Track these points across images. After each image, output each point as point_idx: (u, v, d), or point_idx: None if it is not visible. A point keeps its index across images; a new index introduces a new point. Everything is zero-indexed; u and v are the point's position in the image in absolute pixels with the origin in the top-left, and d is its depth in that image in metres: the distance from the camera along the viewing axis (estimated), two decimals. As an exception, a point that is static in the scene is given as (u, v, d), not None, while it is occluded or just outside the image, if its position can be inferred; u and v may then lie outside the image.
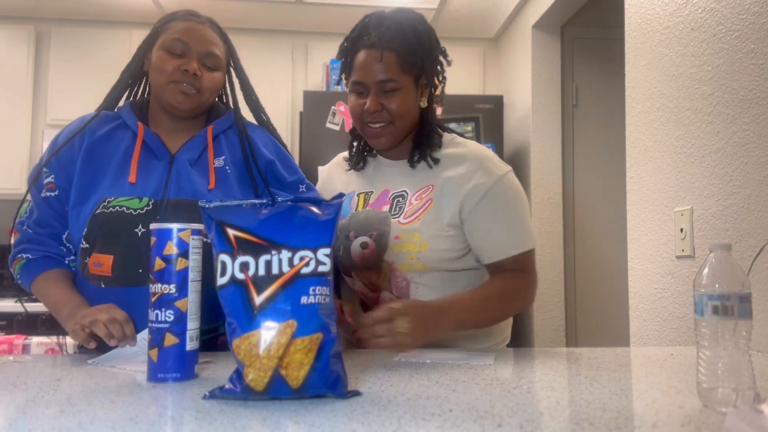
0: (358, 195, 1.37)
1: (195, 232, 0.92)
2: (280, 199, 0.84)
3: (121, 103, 1.36)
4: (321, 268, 0.80)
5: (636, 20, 1.84)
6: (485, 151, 1.35)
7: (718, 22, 1.45)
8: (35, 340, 2.63)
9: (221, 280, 0.80)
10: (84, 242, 1.20)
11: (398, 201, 1.32)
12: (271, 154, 1.36)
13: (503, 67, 3.63)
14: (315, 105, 3.00)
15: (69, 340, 2.52)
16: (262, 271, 0.79)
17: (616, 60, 2.43)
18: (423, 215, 1.27)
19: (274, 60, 3.60)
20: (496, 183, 1.28)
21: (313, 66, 3.62)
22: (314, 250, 0.80)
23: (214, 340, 1.26)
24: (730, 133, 1.41)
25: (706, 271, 0.78)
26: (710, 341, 0.76)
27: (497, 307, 1.25)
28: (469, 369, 1.01)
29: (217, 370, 0.99)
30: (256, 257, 0.79)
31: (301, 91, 3.19)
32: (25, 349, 2.62)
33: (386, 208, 1.32)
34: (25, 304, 2.93)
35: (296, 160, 1.49)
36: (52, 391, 0.84)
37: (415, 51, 1.26)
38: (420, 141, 1.34)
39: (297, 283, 0.78)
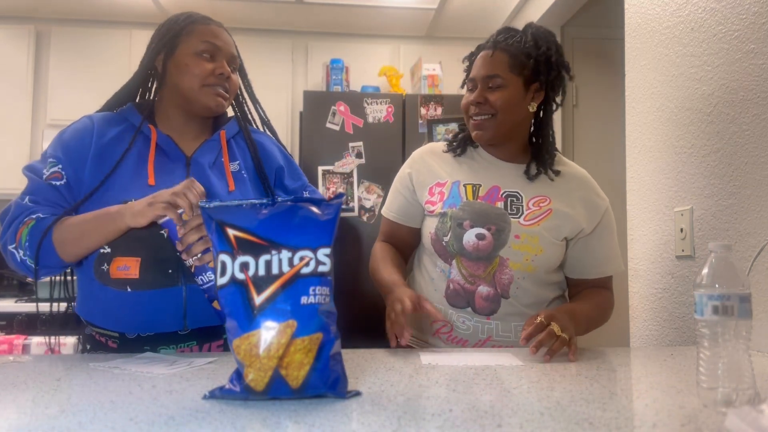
0: (464, 185, 1.39)
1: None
2: (280, 199, 0.84)
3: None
4: (321, 268, 0.80)
5: (636, 20, 1.84)
6: (587, 173, 1.49)
7: (718, 22, 1.45)
8: (35, 340, 2.63)
9: (221, 280, 0.79)
10: (105, 247, 1.17)
11: (512, 201, 1.37)
12: (280, 161, 1.38)
13: (503, 67, 3.62)
14: (315, 105, 3.00)
15: (65, 340, 2.50)
16: (262, 271, 0.79)
17: (616, 60, 2.43)
18: (543, 222, 1.34)
19: (274, 60, 3.60)
20: (608, 207, 1.43)
21: (313, 66, 3.62)
22: (314, 250, 0.80)
23: None
24: (730, 133, 1.41)
25: (706, 271, 0.78)
26: (710, 341, 0.76)
27: (598, 318, 1.40)
28: (468, 369, 1.01)
29: (217, 370, 0.99)
30: (256, 257, 0.79)
31: (301, 91, 3.19)
32: (25, 349, 2.61)
33: (500, 204, 1.36)
34: (24, 304, 2.91)
35: (296, 160, 1.50)
36: (52, 391, 0.84)
37: (528, 55, 1.33)
38: (540, 155, 1.42)
39: (297, 283, 0.78)
